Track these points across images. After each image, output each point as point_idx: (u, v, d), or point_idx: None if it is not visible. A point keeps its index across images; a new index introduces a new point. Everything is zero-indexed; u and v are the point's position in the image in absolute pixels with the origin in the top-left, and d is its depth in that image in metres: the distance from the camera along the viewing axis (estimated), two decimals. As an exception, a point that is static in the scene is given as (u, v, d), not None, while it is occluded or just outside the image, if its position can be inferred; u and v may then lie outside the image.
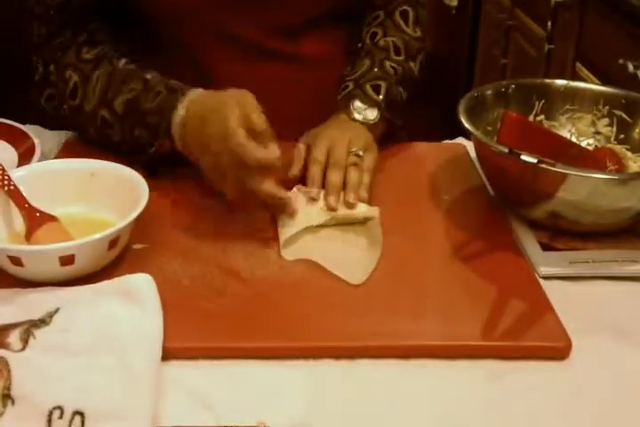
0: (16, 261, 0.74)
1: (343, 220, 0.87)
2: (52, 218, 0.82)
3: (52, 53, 0.98)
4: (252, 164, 0.80)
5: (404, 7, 1.08)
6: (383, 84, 1.01)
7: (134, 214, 0.78)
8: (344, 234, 0.87)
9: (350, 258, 0.83)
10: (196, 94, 0.89)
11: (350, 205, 0.87)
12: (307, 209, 0.87)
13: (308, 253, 0.83)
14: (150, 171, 0.91)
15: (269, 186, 0.82)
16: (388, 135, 1.04)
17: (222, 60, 1.04)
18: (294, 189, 0.89)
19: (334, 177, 0.89)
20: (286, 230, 0.85)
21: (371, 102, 1.00)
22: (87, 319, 0.70)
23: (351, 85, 1.01)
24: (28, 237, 0.80)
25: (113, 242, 0.77)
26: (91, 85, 0.94)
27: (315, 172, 0.91)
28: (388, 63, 1.03)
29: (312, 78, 1.07)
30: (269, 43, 1.04)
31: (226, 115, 0.81)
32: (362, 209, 0.87)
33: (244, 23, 1.01)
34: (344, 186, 0.89)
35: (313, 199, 0.88)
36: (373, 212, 0.87)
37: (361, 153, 0.93)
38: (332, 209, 0.87)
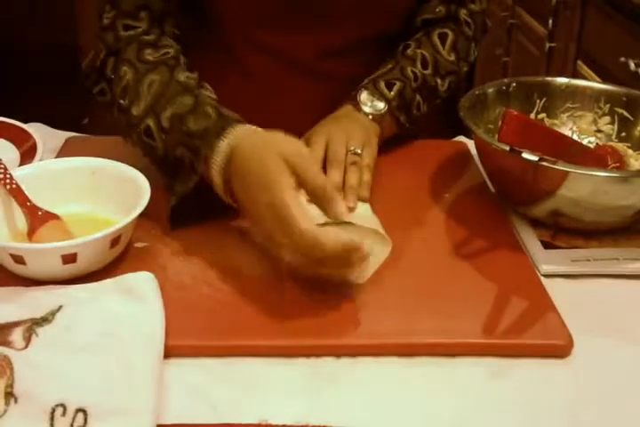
0: (18, 259, 0.74)
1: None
2: (55, 216, 0.82)
3: (118, 44, 0.92)
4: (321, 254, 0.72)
5: (445, 30, 1.04)
6: (398, 84, 0.99)
7: (136, 213, 0.78)
8: (346, 234, 0.87)
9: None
10: (242, 131, 0.80)
11: (351, 210, 0.87)
12: (307, 209, 0.87)
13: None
14: (178, 216, 0.85)
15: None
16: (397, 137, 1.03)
17: (265, 71, 1.02)
18: None
19: (334, 177, 0.89)
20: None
21: (379, 95, 0.98)
22: (89, 317, 0.70)
23: (365, 81, 1.00)
24: (31, 235, 0.81)
25: (115, 240, 0.77)
26: (142, 88, 0.88)
27: None
28: (410, 69, 1.00)
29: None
30: (315, 62, 1.02)
31: (275, 188, 0.72)
32: (362, 210, 0.87)
33: (293, 42, 1.00)
34: (343, 185, 0.89)
35: None
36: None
37: (359, 151, 0.92)
38: None
